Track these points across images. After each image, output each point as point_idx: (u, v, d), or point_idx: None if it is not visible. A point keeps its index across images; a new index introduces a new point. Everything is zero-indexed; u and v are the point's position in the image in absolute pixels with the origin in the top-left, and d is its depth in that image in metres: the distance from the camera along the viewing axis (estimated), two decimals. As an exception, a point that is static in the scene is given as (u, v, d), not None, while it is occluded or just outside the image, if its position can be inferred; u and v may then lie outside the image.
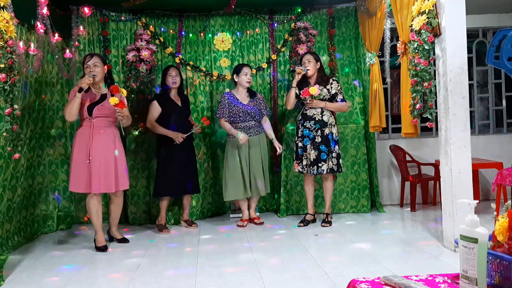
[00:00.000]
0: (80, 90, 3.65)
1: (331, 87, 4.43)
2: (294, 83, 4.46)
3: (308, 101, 4.36)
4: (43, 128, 4.49)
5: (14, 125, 3.15)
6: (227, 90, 4.96)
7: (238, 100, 4.54)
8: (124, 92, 3.90)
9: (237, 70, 4.61)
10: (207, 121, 4.55)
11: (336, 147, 4.44)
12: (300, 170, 4.47)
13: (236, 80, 4.59)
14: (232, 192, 4.52)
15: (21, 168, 4.03)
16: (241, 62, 5.05)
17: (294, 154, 4.58)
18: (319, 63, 4.50)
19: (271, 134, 4.67)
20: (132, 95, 4.79)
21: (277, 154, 4.68)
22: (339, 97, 4.45)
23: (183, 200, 4.66)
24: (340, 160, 4.47)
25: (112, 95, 3.80)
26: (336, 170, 4.42)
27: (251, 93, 4.64)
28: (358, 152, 5.07)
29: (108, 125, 3.85)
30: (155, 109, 4.45)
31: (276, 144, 4.62)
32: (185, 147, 4.45)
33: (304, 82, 4.46)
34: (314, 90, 4.29)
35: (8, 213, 3.83)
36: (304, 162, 4.42)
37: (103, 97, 3.83)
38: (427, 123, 3.57)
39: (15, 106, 3.12)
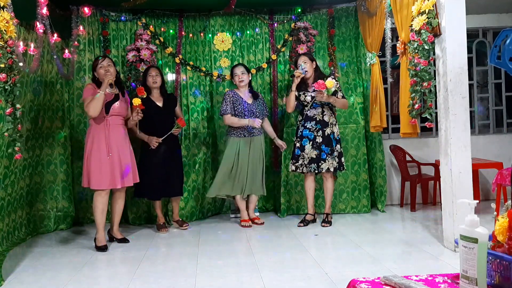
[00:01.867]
0: (111, 85, 3.86)
1: None
2: (294, 87, 4.46)
3: (320, 94, 4.19)
4: (42, 128, 4.49)
5: (19, 125, 3.15)
6: (227, 90, 4.98)
7: (242, 98, 4.54)
8: (145, 95, 4.22)
9: (231, 73, 4.68)
10: (182, 122, 4.39)
11: (338, 146, 4.45)
12: (293, 169, 4.48)
13: (234, 82, 4.65)
14: (215, 189, 4.52)
15: (19, 167, 4.04)
16: (241, 62, 5.06)
17: (291, 154, 4.59)
18: (314, 63, 4.51)
19: (273, 133, 4.71)
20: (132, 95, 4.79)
21: (282, 150, 4.76)
22: (339, 94, 4.45)
23: (171, 200, 4.62)
24: (342, 159, 4.49)
25: (137, 96, 4.16)
26: (338, 168, 4.43)
27: (254, 94, 4.63)
28: (359, 152, 5.08)
29: (121, 123, 3.98)
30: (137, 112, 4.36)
31: (279, 142, 4.67)
32: (167, 149, 4.38)
33: (302, 83, 4.46)
34: (331, 83, 4.19)
35: (1, 212, 3.82)
36: (300, 162, 4.42)
37: (116, 97, 3.95)
38: (426, 123, 3.58)
39: (18, 106, 3.12)
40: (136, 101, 3.98)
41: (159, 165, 4.37)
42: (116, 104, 3.92)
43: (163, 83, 4.54)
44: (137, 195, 4.53)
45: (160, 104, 4.45)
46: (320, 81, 4.18)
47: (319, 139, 4.38)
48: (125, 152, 3.95)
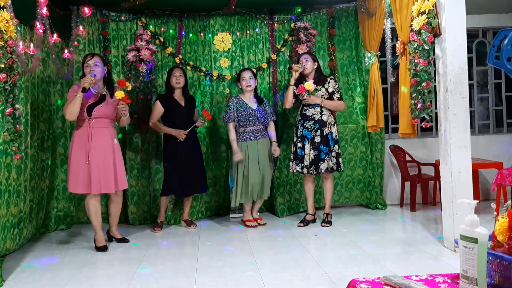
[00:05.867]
0: (84, 90, 3.60)
1: (329, 86, 4.43)
2: (292, 81, 4.47)
3: (305, 97, 4.35)
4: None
5: (17, 125, 3.15)
6: (230, 96, 4.98)
7: (247, 104, 4.54)
8: (129, 86, 3.94)
9: (237, 77, 4.67)
10: (208, 115, 4.53)
11: (336, 146, 4.44)
12: (299, 170, 4.46)
13: (240, 86, 4.64)
14: (245, 197, 4.50)
15: (39, 169, 4.12)
16: (241, 62, 5.06)
17: (291, 155, 4.57)
18: (316, 63, 4.51)
19: (273, 137, 4.67)
20: (132, 95, 4.79)
21: (274, 156, 4.68)
22: (336, 95, 4.45)
23: (184, 200, 4.66)
24: (340, 159, 4.47)
25: (119, 89, 3.86)
26: (335, 169, 4.42)
27: (259, 99, 4.63)
28: (356, 150, 5.14)
29: (106, 126, 3.85)
30: (158, 109, 4.48)
31: (274, 147, 4.61)
32: (187, 145, 4.44)
33: (302, 82, 4.46)
34: (310, 85, 4.29)
35: (31, 214, 3.89)
36: (304, 163, 4.41)
37: (102, 98, 3.83)
38: (422, 123, 3.58)
39: (17, 106, 3.12)
40: (119, 94, 3.70)
41: (184, 162, 4.43)
42: (101, 106, 3.77)
43: (186, 84, 4.58)
44: (164, 194, 4.53)
45: (182, 103, 4.51)
46: (300, 85, 4.31)
47: (317, 139, 4.37)
48: (108, 156, 3.80)
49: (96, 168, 3.74)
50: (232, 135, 4.53)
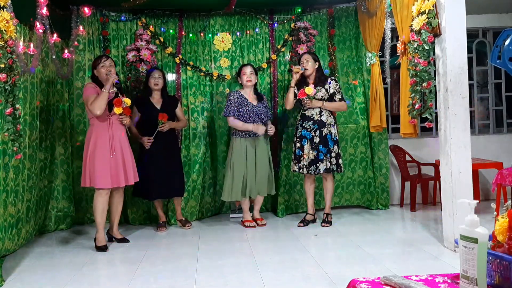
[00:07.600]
0: (116, 84, 3.91)
1: (330, 87, 4.43)
2: (293, 83, 4.47)
3: (305, 101, 4.36)
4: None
5: (18, 125, 3.16)
6: (229, 90, 4.96)
7: (247, 100, 4.52)
8: (128, 101, 3.98)
9: (238, 72, 4.64)
10: (164, 116, 4.37)
11: (336, 147, 4.43)
12: (297, 170, 4.47)
13: (240, 82, 4.61)
14: (232, 194, 4.49)
15: (37, 169, 4.12)
16: (241, 62, 5.05)
17: (292, 154, 4.58)
18: (317, 63, 4.50)
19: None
20: (132, 95, 4.79)
21: (268, 133, 4.54)
22: (338, 96, 4.44)
23: (174, 201, 4.63)
24: (340, 160, 4.46)
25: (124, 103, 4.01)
26: (335, 169, 4.42)
27: (259, 96, 4.61)
28: (357, 150, 5.14)
29: (120, 122, 3.98)
30: (134, 113, 4.40)
31: (270, 125, 4.54)
32: (164, 148, 4.39)
33: (303, 82, 4.46)
34: (310, 90, 4.30)
35: (28, 214, 3.90)
36: (302, 163, 4.41)
37: (116, 96, 3.96)
38: (425, 123, 3.58)
39: (17, 106, 3.12)
40: (119, 110, 3.88)
41: (156, 165, 4.37)
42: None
43: (165, 86, 4.55)
44: (134, 194, 4.55)
45: (158, 106, 4.46)
46: (301, 90, 4.33)
47: (316, 139, 4.37)
48: (126, 149, 3.97)
49: (121, 161, 3.90)
50: (239, 123, 4.42)
